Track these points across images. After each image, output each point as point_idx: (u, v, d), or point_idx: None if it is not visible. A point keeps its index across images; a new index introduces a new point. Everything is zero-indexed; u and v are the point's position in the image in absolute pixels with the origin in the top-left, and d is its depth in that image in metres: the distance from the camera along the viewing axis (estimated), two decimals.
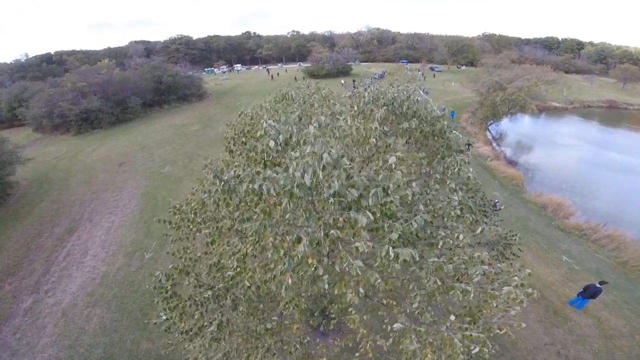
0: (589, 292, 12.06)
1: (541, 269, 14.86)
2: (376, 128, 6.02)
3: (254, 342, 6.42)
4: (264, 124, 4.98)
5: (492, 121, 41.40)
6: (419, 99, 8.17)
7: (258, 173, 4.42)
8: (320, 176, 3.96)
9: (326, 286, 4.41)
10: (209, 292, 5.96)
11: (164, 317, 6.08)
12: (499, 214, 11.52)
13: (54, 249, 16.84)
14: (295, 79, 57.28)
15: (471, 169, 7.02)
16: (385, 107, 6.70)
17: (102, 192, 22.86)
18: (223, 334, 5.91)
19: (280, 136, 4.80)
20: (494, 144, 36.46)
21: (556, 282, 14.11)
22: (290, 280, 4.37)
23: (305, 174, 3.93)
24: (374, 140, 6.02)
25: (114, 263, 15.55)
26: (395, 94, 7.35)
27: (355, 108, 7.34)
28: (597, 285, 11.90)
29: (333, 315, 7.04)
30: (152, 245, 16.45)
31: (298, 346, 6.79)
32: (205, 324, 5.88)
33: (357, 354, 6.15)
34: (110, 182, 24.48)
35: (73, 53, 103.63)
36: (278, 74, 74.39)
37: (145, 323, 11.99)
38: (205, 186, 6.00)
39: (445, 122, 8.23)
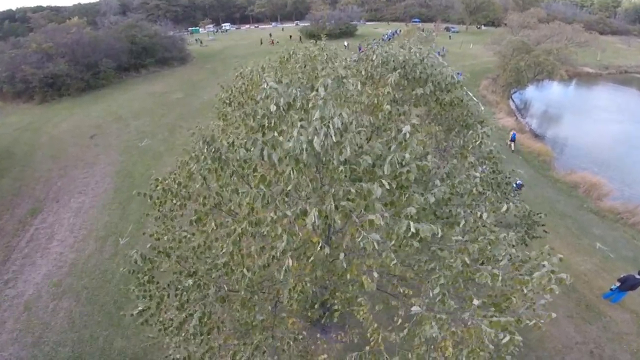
0: (628, 284, 11.63)
1: (572, 257, 14.30)
2: (389, 93, 6.03)
3: (242, 339, 6.17)
4: (266, 85, 4.77)
5: (515, 89, 40.03)
6: (434, 62, 8.09)
7: (256, 139, 4.30)
8: (334, 139, 3.85)
9: (345, 265, 4.35)
10: (190, 281, 5.57)
11: (140, 307, 5.80)
12: (518, 195, 11.19)
13: (15, 233, 16.37)
14: (321, 40, 55.56)
15: (494, 143, 7.13)
16: (396, 71, 6.62)
17: (70, 169, 22.25)
18: (206, 327, 5.70)
19: (282, 99, 4.70)
20: (518, 115, 35.42)
21: (588, 273, 13.63)
22: (291, 262, 4.28)
23: (316, 137, 3.83)
24: (389, 107, 5.91)
25: (84, 249, 15.10)
26: (407, 57, 7.33)
27: (363, 72, 7.35)
28: (637, 276, 11.50)
29: (336, 307, 6.73)
30: (128, 230, 15.95)
31: (291, 343, 6.49)
32: (186, 317, 5.64)
33: (367, 348, 6.00)
34: (80, 157, 23.86)
35: (39, 9, 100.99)
36: (290, 36, 68.08)
37: (119, 318, 11.61)
38: (192, 153, 5.83)
39: (464, 89, 8.26)
